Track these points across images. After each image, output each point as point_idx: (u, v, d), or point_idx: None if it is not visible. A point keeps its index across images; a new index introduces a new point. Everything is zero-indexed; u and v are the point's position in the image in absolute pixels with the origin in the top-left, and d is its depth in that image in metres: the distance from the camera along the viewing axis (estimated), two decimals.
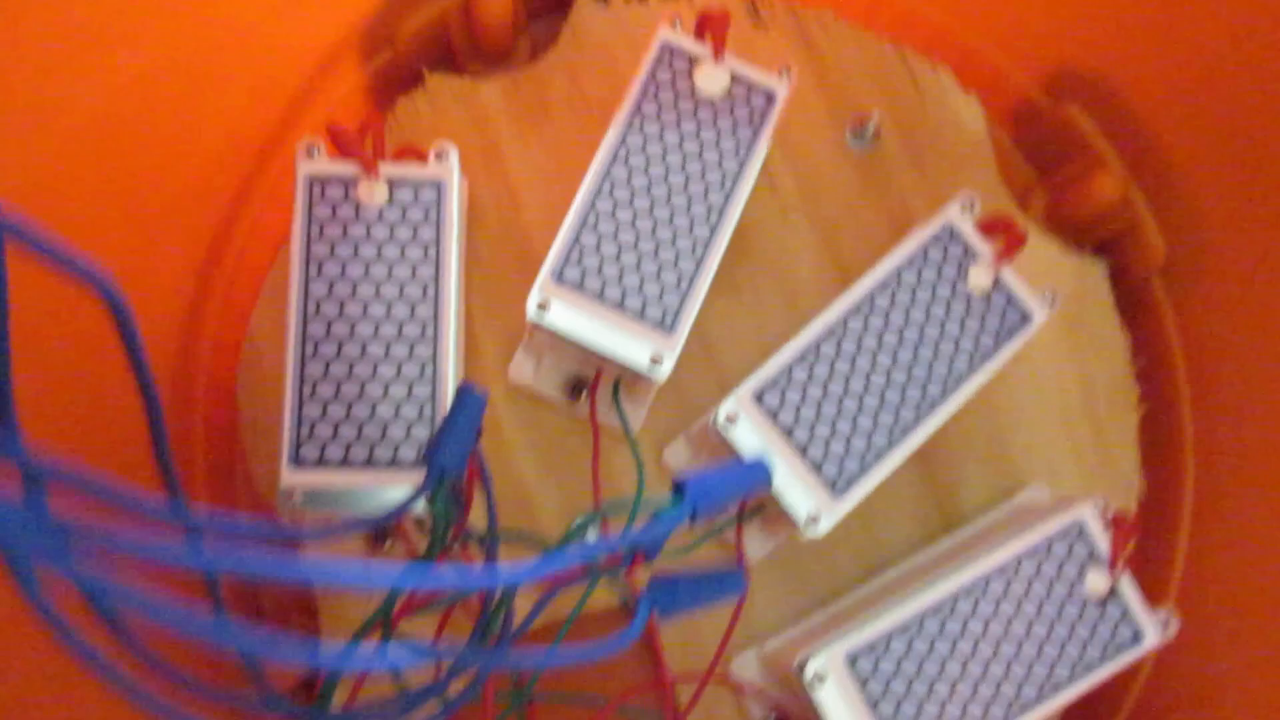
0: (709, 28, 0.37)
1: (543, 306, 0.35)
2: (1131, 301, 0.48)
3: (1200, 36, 0.42)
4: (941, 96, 0.47)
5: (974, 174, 0.47)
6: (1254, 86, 0.42)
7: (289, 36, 0.41)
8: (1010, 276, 0.38)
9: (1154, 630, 0.37)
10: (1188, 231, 0.46)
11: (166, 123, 0.38)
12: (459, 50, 0.45)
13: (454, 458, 0.28)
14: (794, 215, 0.46)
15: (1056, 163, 0.48)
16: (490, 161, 0.44)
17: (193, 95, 0.38)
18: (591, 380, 0.40)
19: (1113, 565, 0.37)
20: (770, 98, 0.38)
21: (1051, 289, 0.39)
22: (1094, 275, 0.47)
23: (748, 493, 0.33)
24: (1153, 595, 0.45)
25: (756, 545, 0.41)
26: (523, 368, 0.41)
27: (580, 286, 0.36)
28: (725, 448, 0.37)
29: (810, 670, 0.35)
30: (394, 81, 0.45)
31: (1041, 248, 0.47)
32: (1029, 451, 0.45)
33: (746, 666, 0.41)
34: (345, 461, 0.34)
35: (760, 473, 0.28)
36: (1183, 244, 0.46)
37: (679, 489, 0.25)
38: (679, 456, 0.42)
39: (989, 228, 0.39)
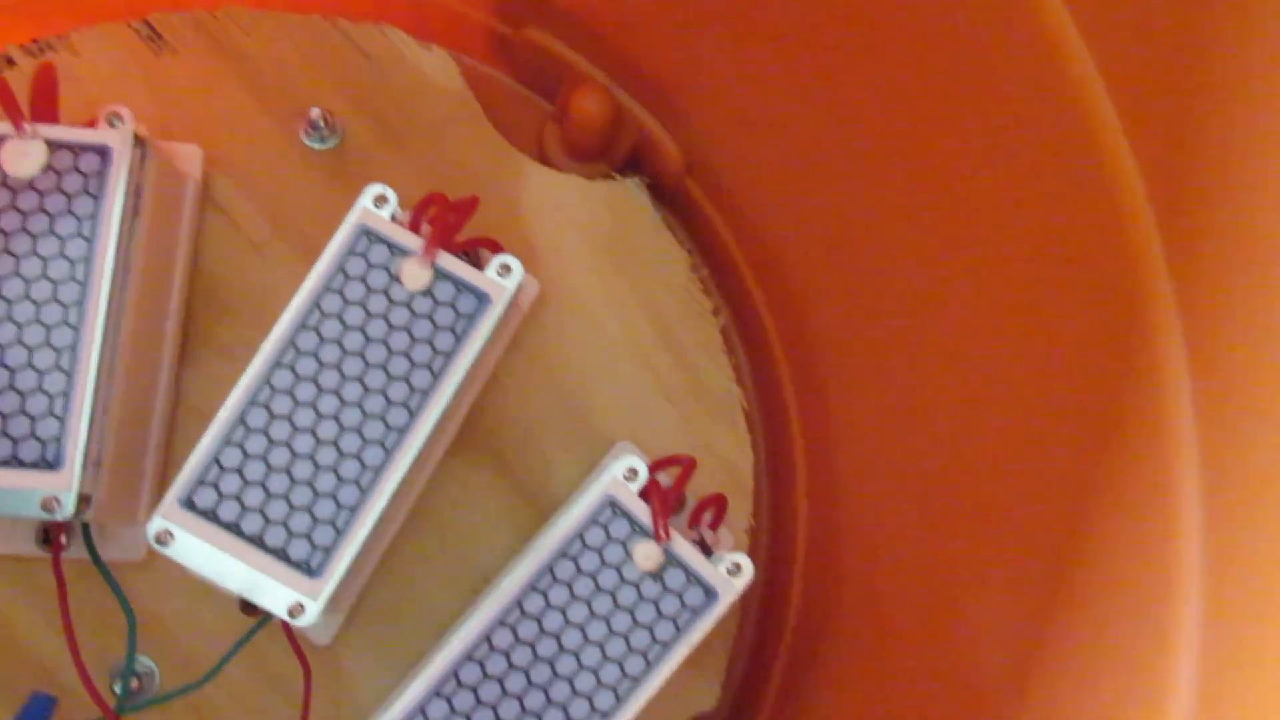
0: None
1: None
2: (677, 213, 0.44)
3: None
4: (399, 60, 0.42)
5: (462, 133, 0.42)
6: None
7: None
8: (452, 263, 0.34)
9: (726, 585, 0.34)
10: (698, 128, 0.42)
11: None
12: None
13: None
14: (270, 248, 0.40)
15: (554, 91, 0.44)
16: None
17: None
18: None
19: (657, 534, 0.33)
20: (105, 154, 0.32)
21: (496, 275, 0.34)
22: (630, 194, 0.43)
23: None
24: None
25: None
26: None
27: None
28: None
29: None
30: None
31: (562, 182, 0.42)
32: (612, 408, 0.41)
33: None
34: None
35: None
36: (698, 140, 0.42)
37: None
38: None
39: (421, 211, 0.34)
